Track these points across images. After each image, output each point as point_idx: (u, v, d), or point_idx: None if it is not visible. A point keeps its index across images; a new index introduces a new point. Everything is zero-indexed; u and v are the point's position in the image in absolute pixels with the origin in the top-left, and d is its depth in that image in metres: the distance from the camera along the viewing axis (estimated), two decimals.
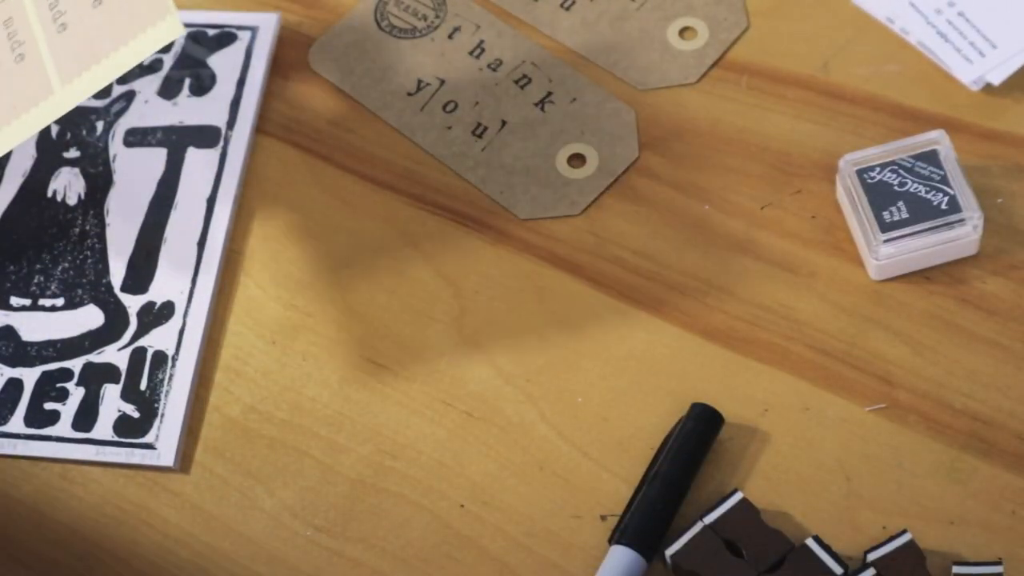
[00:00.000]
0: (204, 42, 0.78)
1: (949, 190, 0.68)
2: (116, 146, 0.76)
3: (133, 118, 0.76)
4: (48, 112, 0.65)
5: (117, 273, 0.72)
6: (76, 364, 0.70)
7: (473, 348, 0.69)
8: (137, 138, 0.76)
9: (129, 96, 0.77)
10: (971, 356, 0.67)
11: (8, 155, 0.76)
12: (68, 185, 0.75)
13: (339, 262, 0.72)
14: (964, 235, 0.68)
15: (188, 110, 0.76)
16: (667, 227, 0.71)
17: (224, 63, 0.77)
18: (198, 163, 0.75)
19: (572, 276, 0.71)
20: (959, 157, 0.69)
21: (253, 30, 0.78)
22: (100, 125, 0.76)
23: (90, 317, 0.72)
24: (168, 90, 0.77)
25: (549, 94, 0.75)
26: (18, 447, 0.69)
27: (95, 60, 0.64)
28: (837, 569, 0.62)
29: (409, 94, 0.76)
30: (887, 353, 0.67)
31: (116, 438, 0.69)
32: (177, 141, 0.75)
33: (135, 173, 0.75)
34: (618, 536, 0.64)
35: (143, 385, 0.70)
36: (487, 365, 0.69)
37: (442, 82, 0.76)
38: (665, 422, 0.67)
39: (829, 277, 0.69)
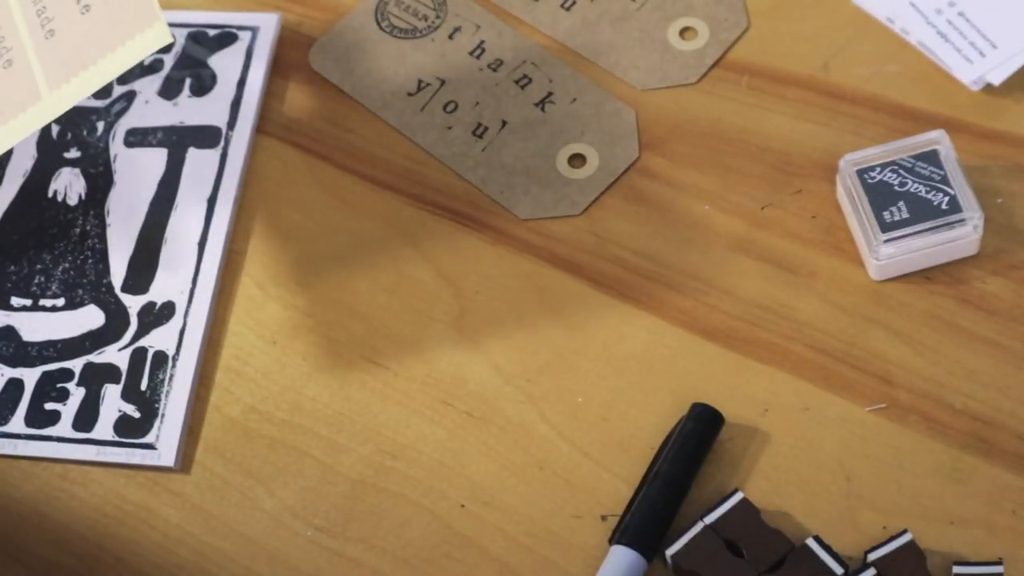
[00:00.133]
0: (204, 42, 0.78)
1: (949, 190, 0.68)
2: (117, 146, 0.76)
3: (134, 118, 0.76)
4: (36, 118, 0.65)
5: (118, 273, 0.72)
6: (77, 364, 0.70)
7: (473, 348, 0.69)
8: (138, 138, 0.76)
9: (130, 96, 0.77)
10: (971, 356, 0.67)
11: (9, 155, 0.76)
12: (69, 185, 0.75)
13: (339, 262, 0.72)
14: (964, 235, 0.68)
15: (189, 110, 0.76)
16: (667, 227, 0.71)
17: (225, 63, 0.77)
18: (199, 163, 0.75)
19: (572, 276, 0.71)
20: (959, 157, 0.69)
21: (254, 30, 0.78)
22: (101, 125, 0.76)
23: (91, 317, 0.72)
24: (169, 90, 0.77)
25: (549, 94, 0.75)
26: (19, 447, 0.69)
27: (83, 66, 0.65)
28: (838, 569, 0.62)
29: (409, 94, 0.76)
30: (887, 353, 0.67)
31: (117, 438, 0.69)
32: (178, 141, 0.75)
33: (136, 173, 0.75)
34: (618, 536, 0.64)
35: (144, 385, 0.70)
36: (487, 365, 0.69)
37: (442, 82, 0.76)
38: (665, 422, 0.67)
39: (829, 277, 0.69)
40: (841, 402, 0.67)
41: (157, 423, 0.69)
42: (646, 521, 0.64)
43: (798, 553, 0.63)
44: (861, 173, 0.69)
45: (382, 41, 0.78)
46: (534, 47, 0.77)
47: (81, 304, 0.72)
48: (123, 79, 0.77)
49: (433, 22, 0.78)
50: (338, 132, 0.75)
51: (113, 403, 0.69)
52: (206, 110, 0.76)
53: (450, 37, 0.77)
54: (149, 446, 0.68)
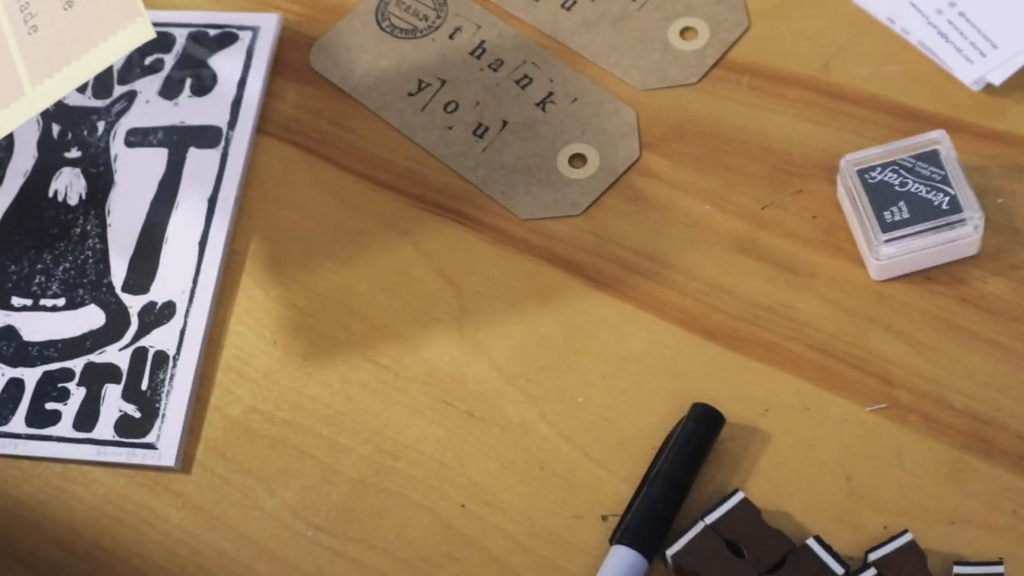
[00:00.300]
0: (205, 42, 0.78)
1: (950, 190, 0.68)
2: (117, 146, 0.76)
3: (134, 118, 0.76)
4: (19, 113, 0.65)
5: (118, 273, 0.72)
6: (77, 364, 0.70)
7: (474, 348, 0.69)
8: (138, 138, 0.76)
9: (130, 96, 0.77)
10: (972, 356, 0.67)
11: (9, 155, 0.76)
12: (69, 185, 0.75)
13: (339, 262, 0.72)
14: (965, 235, 0.68)
15: (189, 110, 0.76)
16: (668, 227, 0.71)
17: (225, 63, 0.77)
18: (199, 163, 0.75)
19: (573, 276, 0.71)
20: (960, 157, 0.69)
21: (254, 30, 0.78)
22: (101, 125, 0.76)
23: (91, 317, 0.72)
24: (169, 90, 0.77)
25: (550, 94, 0.75)
26: (19, 447, 0.69)
27: (66, 62, 0.65)
28: (838, 569, 0.62)
29: (410, 94, 0.76)
30: (888, 353, 0.67)
31: (117, 438, 0.69)
32: (178, 141, 0.75)
33: (136, 173, 0.75)
34: (619, 536, 0.64)
35: (144, 385, 0.70)
36: (488, 365, 0.69)
37: (443, 82, 0.76)
38: (666, 422, 0.67)
39: (830, 277, 0.69)
40: (842, 402, 0.67)
41: (158, 423, 0.69)
42: (647, 521, 0.64)
43: (798, 553, 0.63)
44: (862, 173, 0.69)
45: (383, 41, 0.78)
46: (535, 47, 0.77)
47: (82, 304, 0.72)
48: (124, 79, 0.77)
49: (434, 22, 0.78)
50: (338, 132, 0.75)
51: (114, 403, 0.69)
52: (207, 110, 0.76)
53: (451, 37, 0.77)
54: (150, 446, 0.68)
